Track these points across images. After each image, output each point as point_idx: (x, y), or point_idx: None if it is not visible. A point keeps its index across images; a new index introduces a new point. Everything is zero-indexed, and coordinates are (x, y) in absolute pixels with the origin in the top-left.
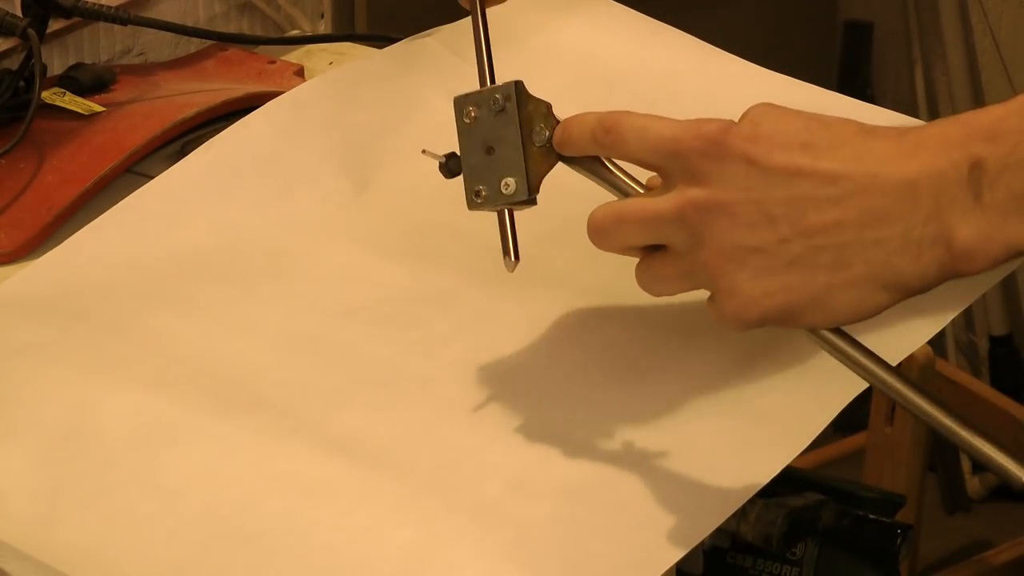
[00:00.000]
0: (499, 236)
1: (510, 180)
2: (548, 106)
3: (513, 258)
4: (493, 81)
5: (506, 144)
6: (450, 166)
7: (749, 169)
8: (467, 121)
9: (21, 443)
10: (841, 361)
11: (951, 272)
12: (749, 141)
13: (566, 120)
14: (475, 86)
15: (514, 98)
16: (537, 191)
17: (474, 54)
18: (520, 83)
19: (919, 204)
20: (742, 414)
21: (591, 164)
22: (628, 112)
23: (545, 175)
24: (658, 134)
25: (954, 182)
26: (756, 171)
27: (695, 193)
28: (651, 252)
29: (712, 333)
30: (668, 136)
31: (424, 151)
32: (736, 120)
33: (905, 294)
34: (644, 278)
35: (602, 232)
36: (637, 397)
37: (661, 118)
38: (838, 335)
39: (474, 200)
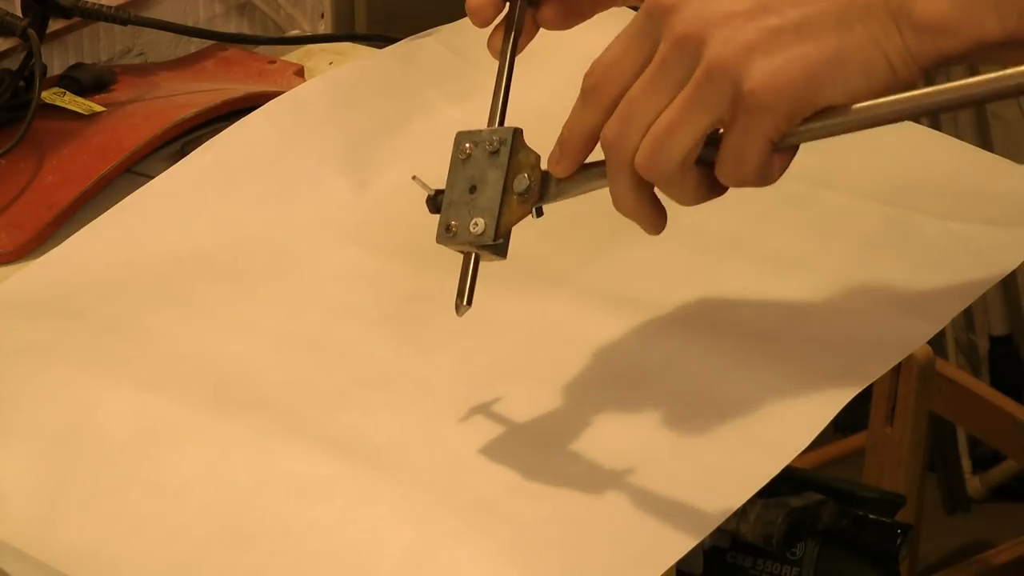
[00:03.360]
0: (458, 276)
1: (479, 220)
2: (538, 157)
3: (465, 303)
4: (502, 123)
5: (488, 186)
6: (436, 201)
7: None
8: (461, 157)
9: (21, 443)
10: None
11: (930, 49)
12: None
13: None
14: (475, 87)
15: (509, 143)
16: (503, 238)
17: (474, 54)
18: (519, 131)
19: None
20: (742, 414)
21: (583, 175)
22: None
23: (515, 224)
24: (619, 37)
25: None
26: None
27: (682, 15)
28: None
29: (712, 332)
30: (633, 25)
31: (414, 178)
32: None
33: (905, 68)
34: (662, 140)
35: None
36: (637, 396)
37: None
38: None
39: (444, 234)
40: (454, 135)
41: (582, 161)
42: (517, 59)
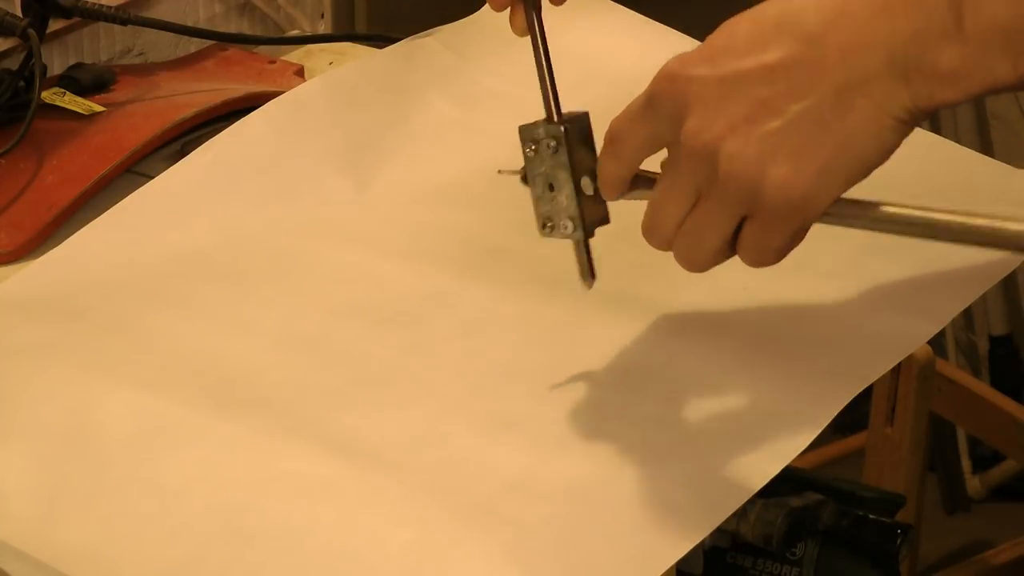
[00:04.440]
0: (575, 259)
1: (568, 224)
2: (594, 158)
3: (591, 278)
4: (559, 111)
5: (562, 189)
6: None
7: (719, 79)
8: (529, 153)
9: (21, 443)
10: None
11: (939, 98)
12: (705, 58)
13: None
14: (475, 87)
15: (564, 143)
16: (593, 234)
17: (474, 54)
18: (568, 128)
19: (896, 28)
20: (742, 414)
21: (635, 185)
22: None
23: (601, 218)
24: (633, 107)
25: (932, 7)
26: (726, 76)
27: (688, 129)
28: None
29: (712, 333)
30: (641, 100)
31: (500, 172)
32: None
33: (911, 123)
34: (689, 244)
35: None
36: (637, 397)
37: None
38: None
39: (543, 229)
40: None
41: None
42: (517, 59)
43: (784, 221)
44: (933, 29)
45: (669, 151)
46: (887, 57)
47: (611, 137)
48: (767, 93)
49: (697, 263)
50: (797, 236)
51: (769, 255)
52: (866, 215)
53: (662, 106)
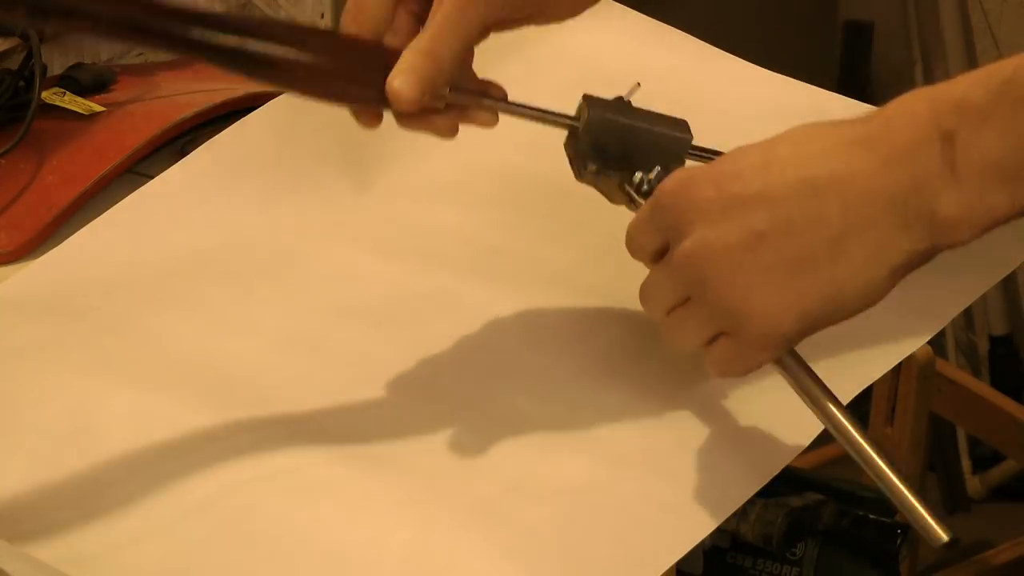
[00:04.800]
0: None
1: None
2: (622, 181)
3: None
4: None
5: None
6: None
7: (722, 202)
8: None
9: (21, 443)
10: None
11: (941, 243)
12: (711, 179)
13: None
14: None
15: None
16: None
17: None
18: (597, 174)
19: (897, 180)
20: (742, 414)
21: None
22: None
23: None
24: (641, 214)
25: (928, 156)
26: (729, 200)
27: (684, 244)
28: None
29: None
30: (647, 209)
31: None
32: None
33: (906, 269)
34: (671, 332)
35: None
36: (637, 397)
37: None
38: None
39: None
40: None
41: None
42: (518, 58)
43: (758, 349)
44: (931, 176)
45: (670, 250)
46: (887, 206)
47: (627, 240)
48: (765, 226)
49: (677, 347)
50: (764, 363)
51: (734, 371)
52: (801, 389)
53: (664, 218)
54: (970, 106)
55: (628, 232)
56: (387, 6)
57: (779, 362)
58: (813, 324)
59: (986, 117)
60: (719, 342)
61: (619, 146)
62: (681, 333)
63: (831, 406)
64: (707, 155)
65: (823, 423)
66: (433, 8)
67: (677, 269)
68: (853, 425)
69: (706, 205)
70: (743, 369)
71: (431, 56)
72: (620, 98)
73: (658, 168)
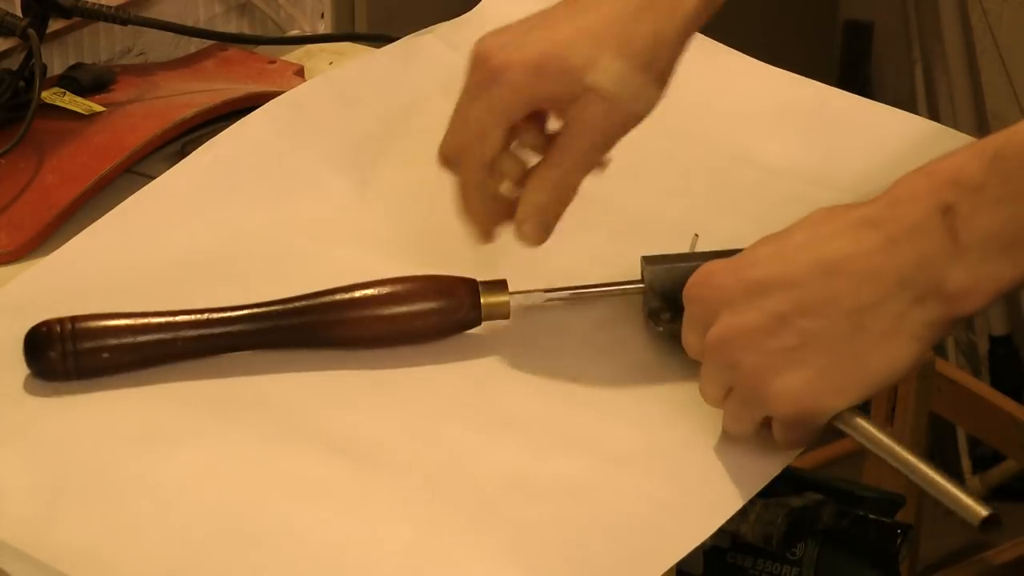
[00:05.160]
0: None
1: None
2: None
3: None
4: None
5: None
6: None
7: (742, 288)
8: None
9: (21, 443)
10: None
11: (954, 314)
12: (731, 269)
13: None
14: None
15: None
16: None
17: None
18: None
19: (904, 258)
20: None
21: None
22: None
23: None
24: (684, 323)
25: (931, 232)
26: (748, 286)
27: (712, 332)
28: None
29: None
30: (687, 310)
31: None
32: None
33: (931, 336)
34: (729, 424)
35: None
36: (638, 397)
37: None
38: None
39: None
40: None
41: None
42: None
43: (794, 427)
44: (935, 253)
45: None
46: (898, 283)
47: (685, 345)
48: (784, 308)
49: (738, 436)
50: (815, 434)
51: (790, 446)
52: (865, 438)
53: (694, 312)
54: (966, 179)
55: (683, 340)
56: (503, 141)
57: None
58: (844, 398)
59: (981, 189)
60: (772, 425)
61: None
62: (735, 422)
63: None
64: None
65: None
66: (561, 142)
67: (710, 358)
68: (867, 419)
69: (728, 293)
70: (796, 442)
71: (557, 195)
72: (679, 254)
73: None
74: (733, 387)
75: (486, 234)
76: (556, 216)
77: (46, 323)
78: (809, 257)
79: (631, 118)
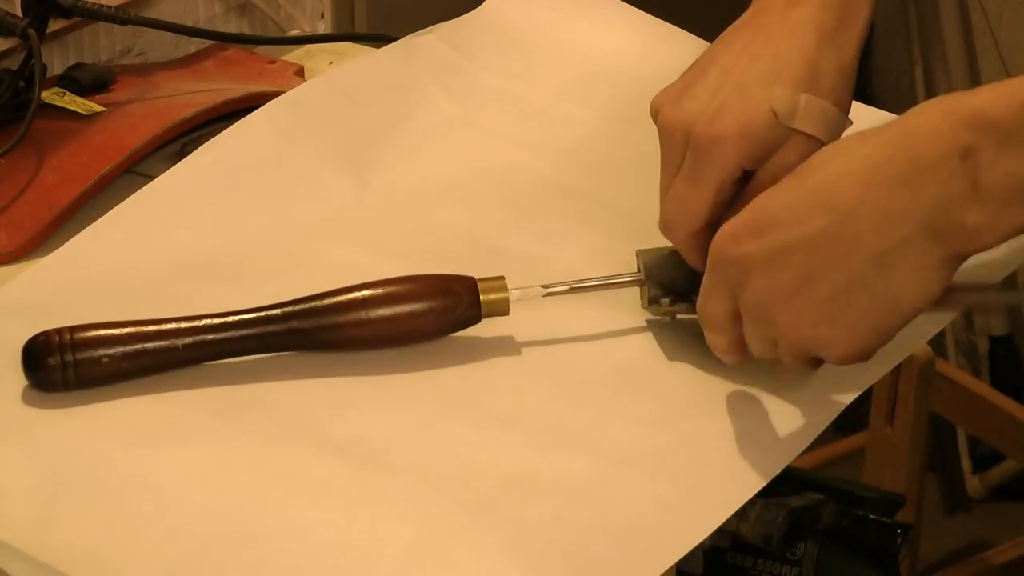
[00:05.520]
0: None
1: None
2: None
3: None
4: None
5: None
6: None
7: (765, 252)
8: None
9: (21, 443)
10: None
11: (973, 248)
12: (751, 231)
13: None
14: (475, 84)
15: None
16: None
17: (474, 50)
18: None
19: (923, 200)
20: (742, 414)
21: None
22: None
23: None
24: (705, 286)
25: (949, 174)
26: (771, 249)
27: (746, 296)
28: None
29: None
30: (708, 279)
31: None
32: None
33: (952, 265)
34: (793, 369)
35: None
36: (638, 396)
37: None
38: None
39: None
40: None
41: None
42: (519, 56)
43: (848, 365)
44: (954, 195)
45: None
46: (918, 224)
47: (704, 319)
48: (811, 264)
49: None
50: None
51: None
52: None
53: (724, 282)
54: (990, 122)
55: (702, 311)
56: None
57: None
58: (885, 334)
59: (1007, 137)
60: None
61: (685, 277)
62: (795, 367)
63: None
64: None
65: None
66: (759, 182)
67: (751, 324)
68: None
69: (753, 259)
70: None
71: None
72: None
73: None
74: (779, 342)
75: None
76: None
77: (44, 334)
78: (825, 207)
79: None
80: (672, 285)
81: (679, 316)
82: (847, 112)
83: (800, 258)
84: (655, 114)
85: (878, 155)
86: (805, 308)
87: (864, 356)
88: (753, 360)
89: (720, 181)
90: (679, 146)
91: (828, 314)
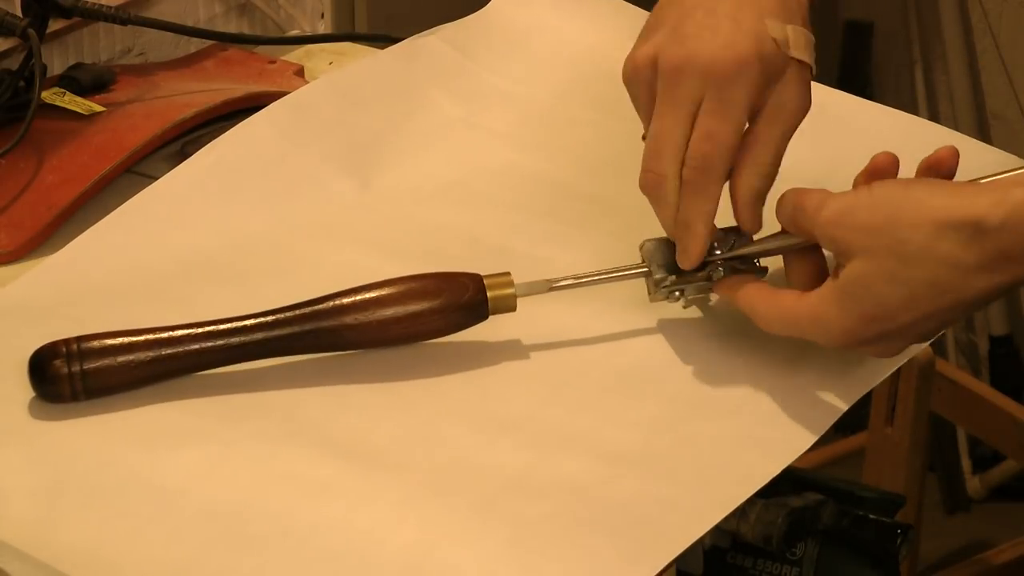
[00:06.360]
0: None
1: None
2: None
3: None
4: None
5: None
6: None
7: (859, 336)
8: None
9: (22, 444)
10: None
11: None
12: (870, 325)
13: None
14: (478, 85)
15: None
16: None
17: (477, 51)
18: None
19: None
20: (743, 414)
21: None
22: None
23: None
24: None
25: None
26: (867, 330)
27: (854, 265)
28: None
29: (714, 335)
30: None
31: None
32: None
33: None
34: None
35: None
36: (638, 397)
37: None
38: None
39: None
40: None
41: None
42: (521, 55)
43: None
44: None
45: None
46: (997, 286)
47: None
48: (925, 329)
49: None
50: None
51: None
52: None
53: (833, 239)
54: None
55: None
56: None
57: None
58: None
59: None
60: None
61: None
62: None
63: None
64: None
65: None
66: (765, 124)
67: (845, 287)
68: None
69: (846, 340)
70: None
71: (772, 178)
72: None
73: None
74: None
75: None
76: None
77: (51, 345)
78: (938, 303)
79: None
80: (676, 267)
81: (688, 296)
82: None
83: (915, 331)
84: (644, 66)
85: (975, 239)
86: (898, 293)
87: (916, 342)
88: (756, 362)
89: (749, 106)
90: (692, 85)
91: (913, 305)
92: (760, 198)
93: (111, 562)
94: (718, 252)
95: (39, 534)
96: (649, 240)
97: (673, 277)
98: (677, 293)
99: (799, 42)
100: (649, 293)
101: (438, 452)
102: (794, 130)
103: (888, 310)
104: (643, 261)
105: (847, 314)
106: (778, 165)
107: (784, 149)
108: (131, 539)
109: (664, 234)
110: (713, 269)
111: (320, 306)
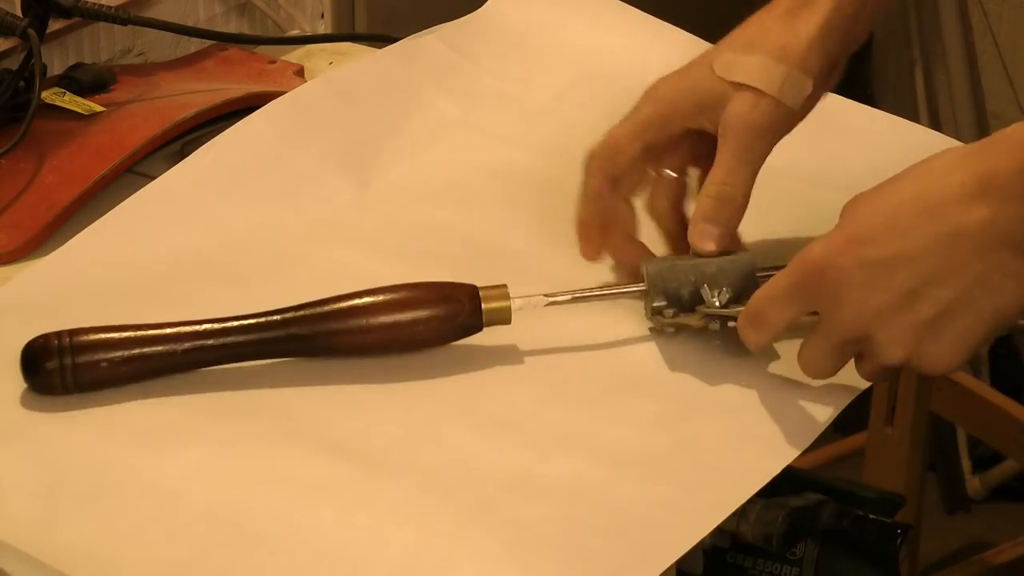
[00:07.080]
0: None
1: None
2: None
3: None
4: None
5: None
6: None
7: (865, 269)
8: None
9: (22, 443)
10: None
11: None
12: (847, 249)
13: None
14: (476, 85)
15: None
16: None
17: (475, 52)
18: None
19: (1015, 222)
20: (743, 414)
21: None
22: (756, 295)
23: None
24: (776, 291)
25: None
26: (871, 267)
27: (842, 316)
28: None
29: (714, 333)
30: (786, 286)
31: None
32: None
33: None
34: (870, 377)
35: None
36: (637, 399)
37: (776, 277)
38: None
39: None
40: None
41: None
42: (519, 56)
43: (941, 377)
44: None
45: (824, 319)
46: (1013, 246)
47: (755, 313)
48: (913, 284)
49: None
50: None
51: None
52: None
53: (810, 295)
54: None
55: (758, 306)
56: (636, 167)
57: None
58: (986, 343)
59: None
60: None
61: (689, 288)
62: (878, 375)
63: None
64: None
65: None
66: (719, 146)
67: (842, 336)
68: None
69: (849, 276)
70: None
71: (723, 198)
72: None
73: (725, 288)
74: (867, 355)
75: (594, 248)
76: (727, 222)
77: (43, 337)
78: (925, 231)
79: (782, 109)
80: (676, 296)
81: (682, 326)
82: (811, 75)
83: (900, 277)
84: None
85: (971, 187)
86: (907, 326)
87: (955, 367)
88: (755, 362)
89: (648, 120)
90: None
91: (933, 331)
92: (704, 217)
93: (110, 561)
94: (716, 303)
95: (38, 533)
96: (652, 260)
97: (671, 311)
98: (671, 329)
99: (748, 67)
100: (646, 314)
101: (437, 453)
102: (749, 148)
103: (872, 230)
104: (643, 281)
105: (827, 238)
106: (738, 183)
107: (743, 166)
108: (130, 538)
109: (668, 253)
110: (710, 320)
111: (313, 310)
